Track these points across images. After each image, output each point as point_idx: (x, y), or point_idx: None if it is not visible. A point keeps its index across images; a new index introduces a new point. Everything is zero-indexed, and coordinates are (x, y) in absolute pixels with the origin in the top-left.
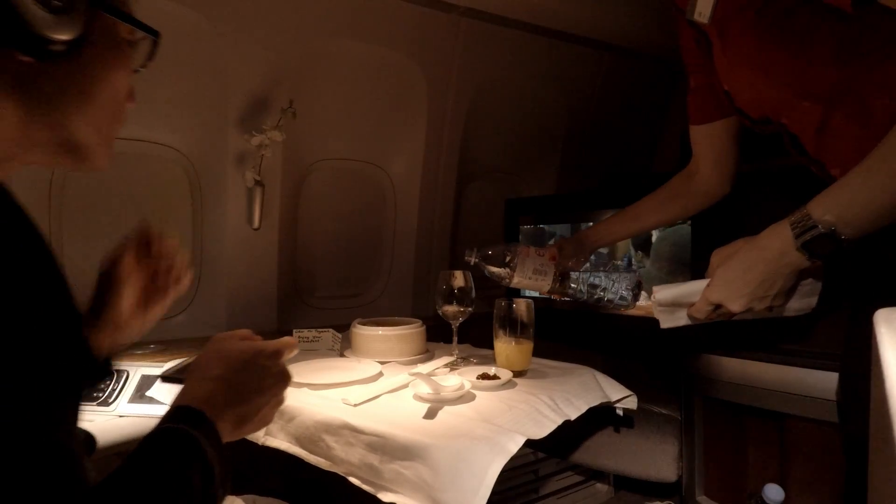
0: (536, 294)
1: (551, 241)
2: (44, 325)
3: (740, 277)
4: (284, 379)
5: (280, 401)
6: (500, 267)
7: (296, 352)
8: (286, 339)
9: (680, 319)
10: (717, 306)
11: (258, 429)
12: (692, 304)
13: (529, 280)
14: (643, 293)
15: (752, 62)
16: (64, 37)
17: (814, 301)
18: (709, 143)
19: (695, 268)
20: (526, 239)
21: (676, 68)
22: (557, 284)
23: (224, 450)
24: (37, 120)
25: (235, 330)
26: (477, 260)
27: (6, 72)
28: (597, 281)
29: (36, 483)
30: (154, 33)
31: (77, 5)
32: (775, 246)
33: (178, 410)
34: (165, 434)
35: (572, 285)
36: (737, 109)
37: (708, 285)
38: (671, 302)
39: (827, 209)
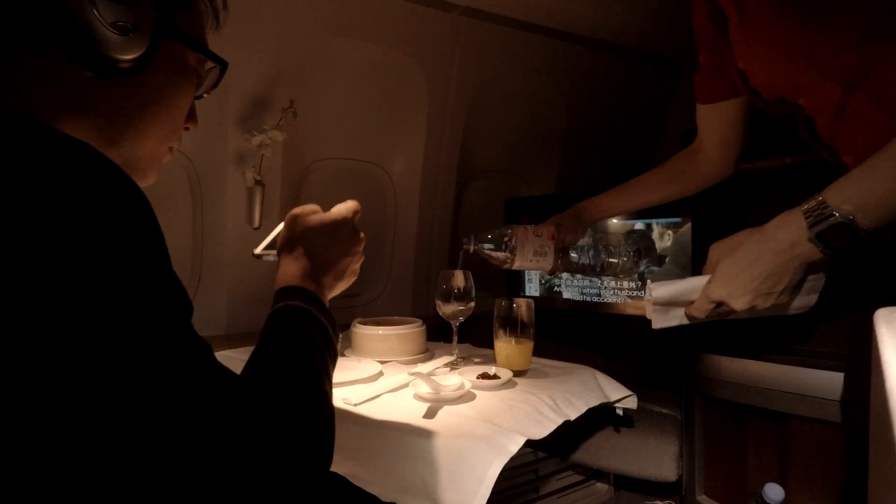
0: (537, 294)
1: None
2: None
3: (745, 271)
4: (357, 236)
5: (361, 256)
6: (499, 251)
7: (358, 214)
8: (348, 204)
9: (674, 319)
10: (719, 304)
11: (351, 281)
12: (689, 303)
13: (531, 262)
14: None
15: (770, 39)
16: (129, 56)
17: (815, 298)
18: (715, 123)
19: (695, 265)
20: None
21: (677, 68)
22: (560, 262)
23: (329, 310)
24: (98, 137)
25: (305, 206)
26: (476, 247)
27: (71, 87)
28: (596, 251)
29: (191, 373)
30: (223, 63)
31: (143, 28)
32: (785, 237)
33: (285, 290)
34: (283, 312)
35: (573, 259)
36: (750, 90)
37: (709, 281)
38: (668, 300)
39: (846, 197)
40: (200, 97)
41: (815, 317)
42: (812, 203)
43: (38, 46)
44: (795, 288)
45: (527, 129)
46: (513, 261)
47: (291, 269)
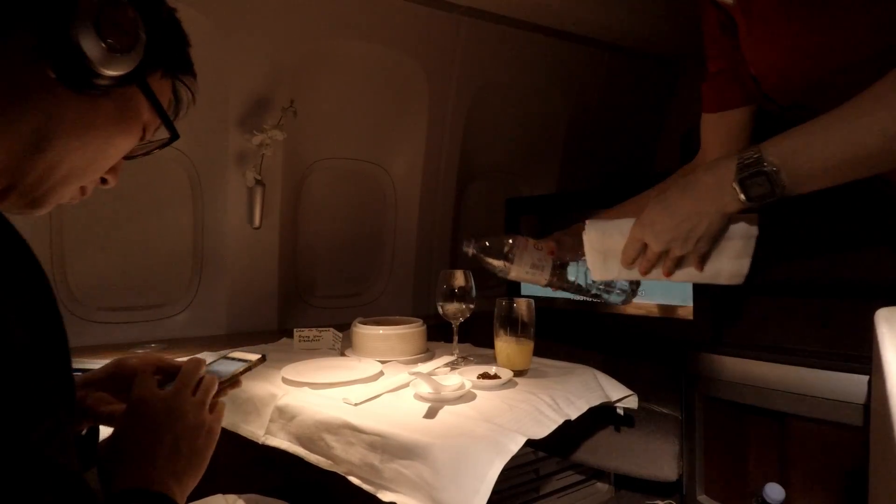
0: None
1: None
2: (31, 345)
3: (666, 211)
4: (202, 412)
5: (215, 434)
6: (498, 259)
7: (202, 372)
8: (189, 365)
9: (612, 271)
10: (645, 247)
11: (201, 472)
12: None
13: (527, 274)
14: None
15: (779, 42)
16: (106, 73)
17: (746, 266)
18: (721, 132)
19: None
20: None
21: (677, 68)
22: (555, 278)
23: None
24: (30, 137)
25: (140, 357)
26: (475, 251)
27: (27, 81)
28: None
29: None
30: (175, 135)
31: (132, 55)
32: (710, 179)
33: (130, 495)
34: None
35: (570, 278)
36: (764, 95)
37: (636, 220)
38: (601, 240)
39: (778, 150)
40: (133, 157)
41: (816, 317)
42: (750, 150)
43: (19, 33)
44: (720, 245)
45: (527, 128)
46: (510, 270)
47: (133, 468)
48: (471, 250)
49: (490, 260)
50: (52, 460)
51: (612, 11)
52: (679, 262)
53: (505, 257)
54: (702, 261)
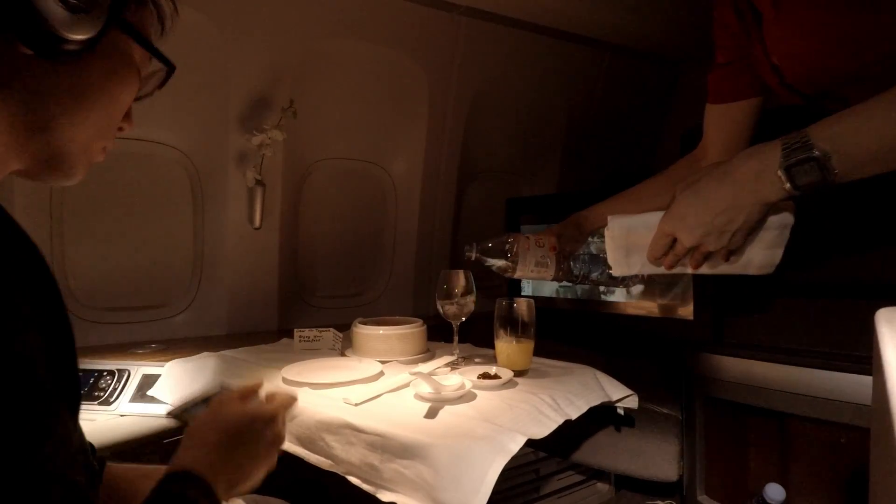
0: (539, 292)
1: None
2: (34, 342)
3: (701, 203)
4: (278, 444)
5: (272, 465)
6: (501, 259)
7: (295, 413)
8: (285, 399)
9: (635, 265)
10: (674, 242)
11: (247, 491)
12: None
13: (532, 272)
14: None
15: (810, 31)
16: (75, 37)
17: (778, 256)
18: (725, 124)
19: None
20: None
21: (677, 68)
22: (560, 273)
23: None
24: (26, 120)
25: (238, 389)
26: (477, 255)
27: (8, 63)
28: (597, 261)
29: None
30: (170, 65)
31: (96, 10)
32: (752, 166)
33: (179, 475)
34: (169, 497)
35: (574, 271)
36: (786, 86)
37: (664, 215)
38: (625, 236)
39: (829, 135)
40: (140, 98)
41: (817, 317)
42: (794, 136)
43: None
44: (753, 236)
45: (527, 128)
46: (514, 270)
47: (194, 455)
48: (473, 255)
49: (493, 261)
50: (58, 472)
51: (612, 11)
52: (708, 255)
53: (508, 258)
54: (734, 253)
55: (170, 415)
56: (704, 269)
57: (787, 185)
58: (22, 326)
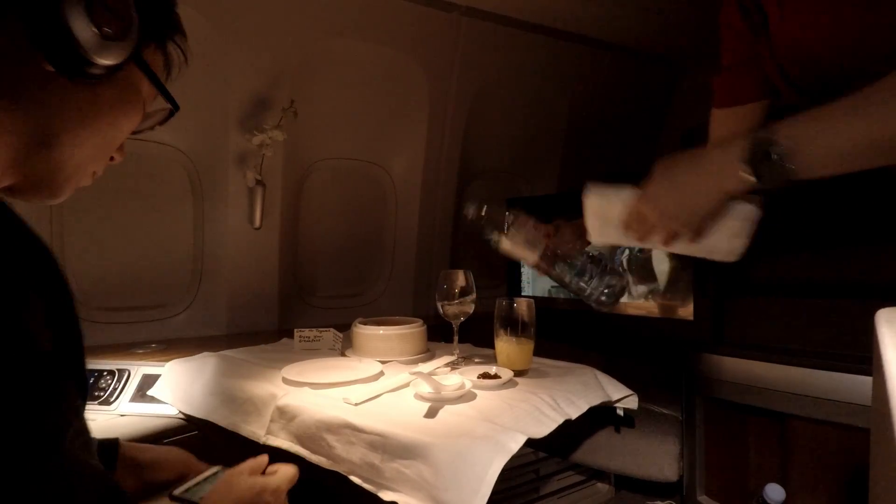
0: (539, 292)
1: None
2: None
3: (672, 186)
4: None
5: None
6: (494, 228)
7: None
8: (288, 472)
9: (612, 235)
10: (645, 220)
11: None
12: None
13: (519, 248)
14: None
15: (816, 29)
16: (101, 62)
17: (740, 246)
18: (730, 129)
19: (696, 266)
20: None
21: (677, 68)
22: (543, 263)
23: None
24: (32, 133)
25: (247, 465)
26: (474, 216)
27: (20, 75)
28: (582, 272)
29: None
30: (175, 106)
31: (126, 41)
32: (719, 158)
33: None
34: None
35: (556, 269)
36: (793, 85)
37: (640, 191)
38: (602, 206)
39: (793, 133)
40: (138, 132)
41: (817, 317)
42: (762, 131)
43: (10, 26)
44: (720, 224)
45: (528, 128)
46: (503, 240)
47: None
48: (471, 213)
49: (487, 228)
50: (84, 461)
51: (613, 11)
52: (677, 235)
53: (502, 228)
54: (699, 237)
55: (173, 498)
56: (673, 248)
57: (749, 178)
58: (39, 326)
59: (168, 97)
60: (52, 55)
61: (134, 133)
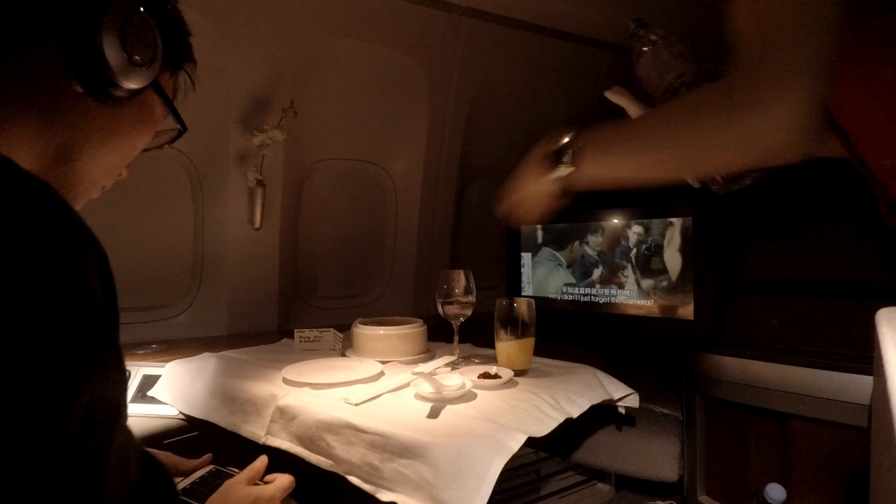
0: (539, 292)
1: None
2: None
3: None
4: None
5: None
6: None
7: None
8: (284, 482)
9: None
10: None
11: None
12: None
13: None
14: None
15: None
16: (127, 86)
17: None
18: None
19: (696, 266)
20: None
21: None
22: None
23: None
24: (57, 147)
25: (245, 474)
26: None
27: (52, 94)
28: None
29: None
30: (184, 127)
31: (150, 68)
32: (536, 152)
33: None
34: None
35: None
36: None
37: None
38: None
39: (592, 139)
40: (148, 150)
41: (817, 317)
42: (579, 130)
43: (46, 48)
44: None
45: (528, 128)
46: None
47: None
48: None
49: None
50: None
51: (612, 11)
52: None
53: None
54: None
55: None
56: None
57: (552, 178)
58: (95, 279)
59: (180, 120)
60: (84, 78)
61: (143, 150)
